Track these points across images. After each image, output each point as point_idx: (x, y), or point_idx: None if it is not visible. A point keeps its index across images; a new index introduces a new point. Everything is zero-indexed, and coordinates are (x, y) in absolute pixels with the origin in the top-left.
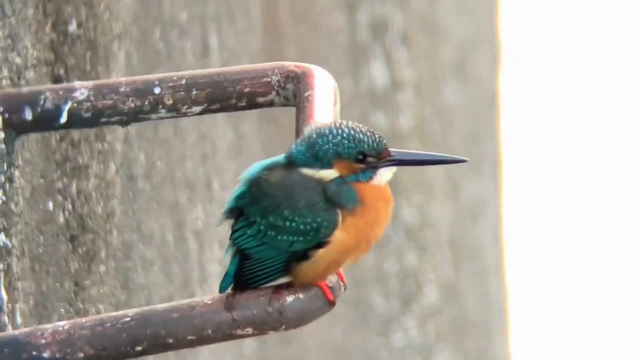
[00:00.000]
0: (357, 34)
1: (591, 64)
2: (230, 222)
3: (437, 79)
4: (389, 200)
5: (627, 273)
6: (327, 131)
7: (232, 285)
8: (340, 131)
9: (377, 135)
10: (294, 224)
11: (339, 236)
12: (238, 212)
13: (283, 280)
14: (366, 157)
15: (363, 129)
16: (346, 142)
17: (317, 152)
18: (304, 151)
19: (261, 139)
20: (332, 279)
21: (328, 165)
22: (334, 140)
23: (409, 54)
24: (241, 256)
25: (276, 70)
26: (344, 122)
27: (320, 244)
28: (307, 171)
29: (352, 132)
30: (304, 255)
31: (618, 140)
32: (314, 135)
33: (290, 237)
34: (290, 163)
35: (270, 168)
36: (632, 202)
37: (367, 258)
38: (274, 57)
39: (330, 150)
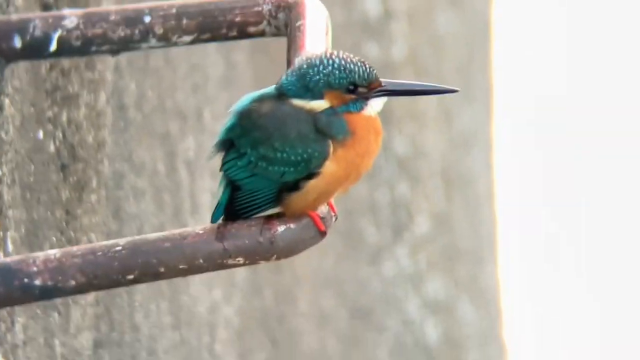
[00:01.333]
0: None
1: None
2: (222, 154)
3: (431, 9)
4: (379, 131)
5: (620, 200)
6: (317, 61)
7: (223, 215)
8: (331, 61)
9: (368, 66)
10: (284, 155)
11: (329, 167)
12: (229, 144)
13: (274, 210)
14: (357, 87)
15: (354, 59)
16: (337, 72)
17: (308, 82)
18: (295, 82)
19: (253, 69)
20: (323, 210)
21: (319, 95)
22: (324, 71)
23: None
24: (232, 187)
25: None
26: (335, 52)
27: (311, 175)
28: (297, 102)
29: (343, 62)
30: (294, 186)
31: (613, 66)
32: (305, 66)
33: (281, 168)
34: (281, 94)
35: (260, 100)
36: (626, 129)
37: (358, 188)
38: None
39: (321, 81)
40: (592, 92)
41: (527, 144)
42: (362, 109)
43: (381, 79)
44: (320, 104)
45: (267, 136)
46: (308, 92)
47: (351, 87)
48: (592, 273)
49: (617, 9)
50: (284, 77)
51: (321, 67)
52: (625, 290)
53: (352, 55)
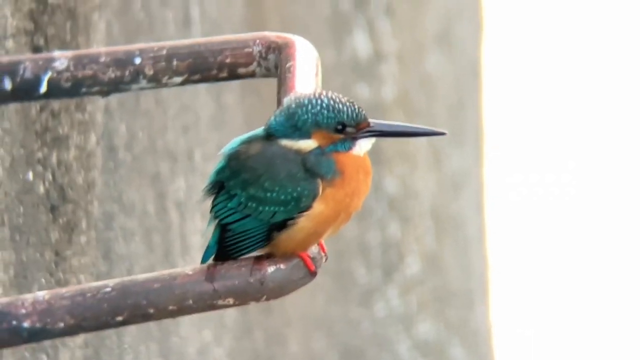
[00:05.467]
0: (340, 4)
1: (574, 33)
2: (212, 197)
3: (421, 50)
4: (369, 171)
5: (610, 242)
6: (306, 101)
7: (213, 256)
8: (319, 101)
9: (356, 106)
10: (274, 195)
11: (318, 206)
12: (219, 186)
13: (264, 251)
14: (345, 127)
15: (343, 99)
16: (325, 112)
17: (297, 122)
18: (283, 122)
19: (243, 110)
20: (313, 250)
21: (307, 135)
22: (313, 110)
23: (392, 25)
24: (222, 228)
25: (257, 41)
26: (324, 92)
27: (300, 214)
28: (286, 142)
29: (331, 102)
30: (284, 226)
31: (602, 108)
32: (293, 105)
33: (272, 208)
34: (269, 135)
35: (249, 141)
36: (616, 170)
37: (349, 229)
38: (256, 27)
39: (310, 120)
40: (584, 128)
41: (518, 184)
42: (350, 148)
43: (370, 119)
44: (308, 144)
45: (256, 177)
46: (296, 131)
47: (339, 127)
48: (586, 316)
49: (607, 42)
50: (272, 118)
51: (310, 107)
52: (624, 333)
53: (340, 95)
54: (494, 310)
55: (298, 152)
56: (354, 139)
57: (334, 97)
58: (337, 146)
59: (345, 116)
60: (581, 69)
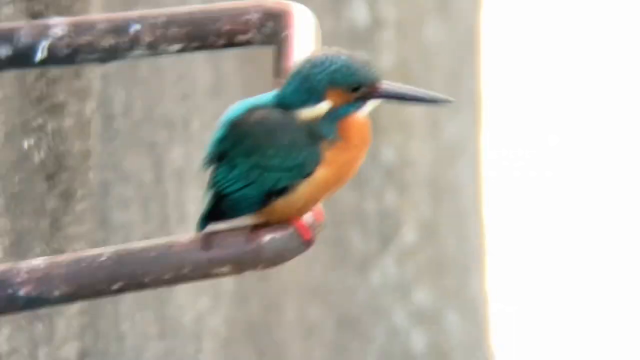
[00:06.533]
0: None
1: (573, 1)
2: (213, 166)
3: (419, 18)
4: (368, 137)
5: (608, 214)
6: (322, 60)
7: (207, 224)
8: (336, 59)
9: (372, 65)
10: (278, 161)
11: (320, 172)
12: (219, 156)
13: (259, 217)
14: (360, 87)
15: (359, 58)
16: (343, 69)
17: (312, 83)
18: (298, 87)
19: (242, 78)
20: (309, 219)
21: (322, 96)
22: (330, 68)
23: None
24: (219, 197)
25: (256, 8)
26: (339, 51)
27: (302, 180)
28: (304, 112)
29: (348, 60)
30: (283, 191)
31: (599, 79)
32: (308, 66)
33: (277, 174)
34: (284, 107)
35: (251, 109)
36: (613, 145)
37: (346, 197)
38: None
39: (325, 79)
40: (582, 100)
41: (516, 153)
42: (358, 109)
43: (383, 81)
44: (322, 107)
45: (259, 144)
46: (312, 95)
47: (355, 86)
48: (581, 283)
49: (606, 16)
50: (283, 88)
51: (326, 65)
52: (616, 301)
53: (356, 54)
54: (490, 278)
55: (307, 120)
56: (365, 99)
57: (350, 55)
58: (350, 107)
59: (362, 75)
60: (580, 37)
